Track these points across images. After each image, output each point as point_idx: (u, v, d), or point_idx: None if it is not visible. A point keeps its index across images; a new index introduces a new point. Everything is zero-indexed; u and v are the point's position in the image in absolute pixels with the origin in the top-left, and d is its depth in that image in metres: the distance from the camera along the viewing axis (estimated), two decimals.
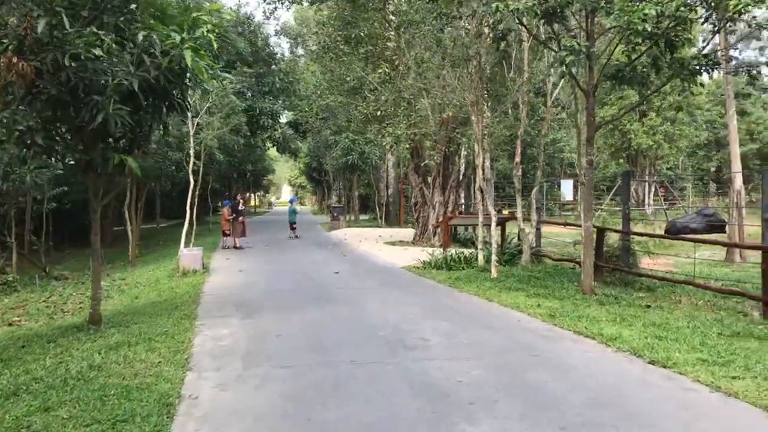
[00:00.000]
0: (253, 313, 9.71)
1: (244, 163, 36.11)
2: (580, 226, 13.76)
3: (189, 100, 9.38)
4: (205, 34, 7.84)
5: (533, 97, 40.94)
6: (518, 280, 11.76)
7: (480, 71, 12.67)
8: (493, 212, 12.38)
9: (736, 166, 15.46)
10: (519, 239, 14.52)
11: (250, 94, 30.87)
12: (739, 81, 48.81)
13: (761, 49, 43.23)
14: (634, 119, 29.79)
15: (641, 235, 11.89)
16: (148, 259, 22.22)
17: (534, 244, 14.62)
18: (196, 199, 18.63)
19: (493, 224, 12.34)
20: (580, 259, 13.00)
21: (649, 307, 9.52)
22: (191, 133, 17.72)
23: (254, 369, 6.46)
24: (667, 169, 35.74)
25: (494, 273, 11.96)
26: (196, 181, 18.10)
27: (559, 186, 42.90)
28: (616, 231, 11.91)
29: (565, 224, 14.09)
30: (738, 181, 15.22)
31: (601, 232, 11.64)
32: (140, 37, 7.52)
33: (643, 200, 31.56)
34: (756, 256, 12.97)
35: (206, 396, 5.60)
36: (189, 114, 14.85)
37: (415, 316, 8.98)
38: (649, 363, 6.41)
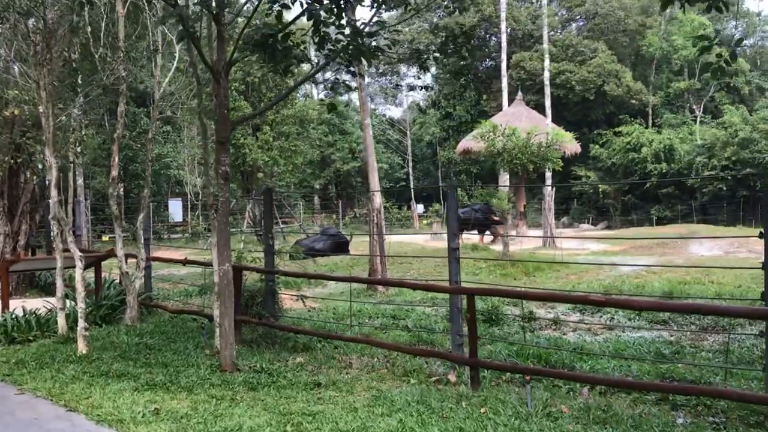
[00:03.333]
0: None
1: None
2: (202, 264, 10.31)
3: None
4: None
5: (133, 107, 36.22)
6: (122, 354, 7.73)
7: (48, 46, 8.30)
8: (76, 251, 8.08)
9: (375, 183, 13.79)
10: (121, 283, 10.42)
11: None
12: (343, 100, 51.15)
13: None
14: (248, 133, 27.50)
15: (289, 275, 8.94)
16: None
17: (143, 290, 10.66)
18: None
19: (78, 269, 8.06)
20: (208, 311, 9.54)
21: (319, 386, 6.53)
22: None
23: None
24: (281, 186, 34.61)
25: (81, 347, 7.71)
26: None
27: (167, 206, 38.80)
28: (259, 270, 8.74)
29: (186, 262, 10.43)
30: (378, 200, 13.53)
31: (238, 271, 8.33)
32: None
33: (260, 220, 29.62)
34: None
35: None
36: None
37: None
38: None
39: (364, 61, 7.32)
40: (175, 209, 38.70)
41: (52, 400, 6.20)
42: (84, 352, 7.63)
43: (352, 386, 6.52)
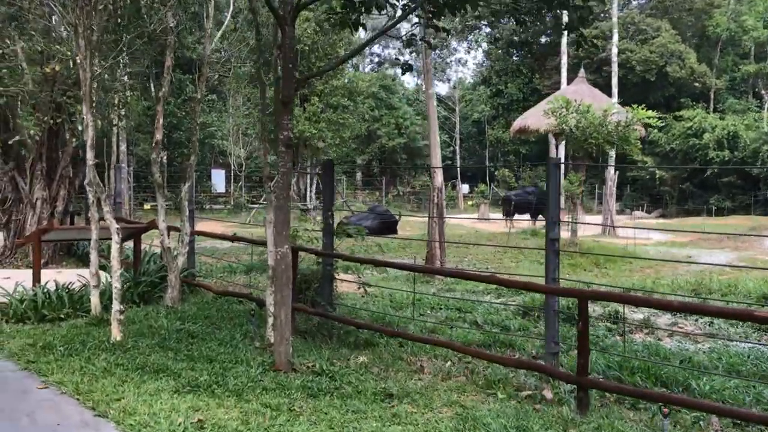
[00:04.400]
0: None
1: None
2: (253, 242, 9.32)
3: None
4: None
5: (179, 74, 35.57)
6: (160, 343, 6.77)
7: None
8: (112, 222, 7.12)
9: (437, 159, 12.61)
10: (162, 258, 9.51)
11: None
12: (386, 75, 49.83)
13: None
14: (295, 104, 26.46)
15: (351, 260, 7.85)
16: None
17: (185, 266, 9.74)
18: None
19: (115, 243, 7.11)
20: (257, 294, 8.56)
21: (390, 396, 5.48)
22: None
23: None
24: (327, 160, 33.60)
25: (116, 333, 6.78)
26: None
27: (210, 176, 38.21)
28: (318, 253, 7.68)
29: (234, 238, 9.42)
30: (439, 178, 12.36)
31: (294, 253, 7.27)
32: None
33: (305, 194, 28.73)
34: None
35: None
36: None
37: None
38: None
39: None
40: (218, 180, 38.08)
41: (79, 399, 5.26)
42: (118, 338, 6.70)
43: (430, 399, 5.45)
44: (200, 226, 16.80)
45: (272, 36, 6.60)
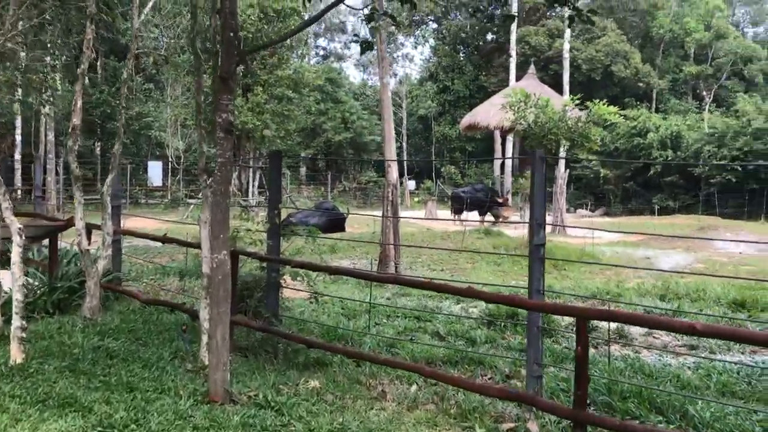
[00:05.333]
0: None
1: None
2: (186, 244, 8.23)
3: None
4: None
5: (114, 61, 33.61)
6: (72, 365, 5.63)
7: None
8: (12, 220, 5.93)
9: (391, 152, 11.71)
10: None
11: None
12: (332, 68, 48.75)
13: None
14: (237, 94, 25.16)
15: (302, 266, 6.79)
16: None
17: (110, 268, 8.57)
18: None
19: (17, 246, 5.92)
20: (192, 304, 7.50)
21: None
22: None
23: None
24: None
25: (15, 354, 5.63)
26: None
27: (146, 169, 36.44)
28: (262, 258, 6.66)
29: (165, 240, 8.26)
30: (394, 173, 11.46)
31: (234, 258, 6.24)
32: None
33: (247, 189, 27.38)
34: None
35: None
36: None
37: None
38: None
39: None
40: (155, 173, 36.30)
41: None
42: (19, 361, 5.56)
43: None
44: (134, 223, 15.54)
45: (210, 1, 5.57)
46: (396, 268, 11.29)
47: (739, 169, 33.44)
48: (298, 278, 6.65)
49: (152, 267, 12.06)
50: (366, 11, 6.12)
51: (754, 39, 45.41)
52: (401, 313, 8.84)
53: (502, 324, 8.17)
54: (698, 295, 10.56)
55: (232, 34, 4.79)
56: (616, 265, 12.20)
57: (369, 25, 6.25)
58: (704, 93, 43.15)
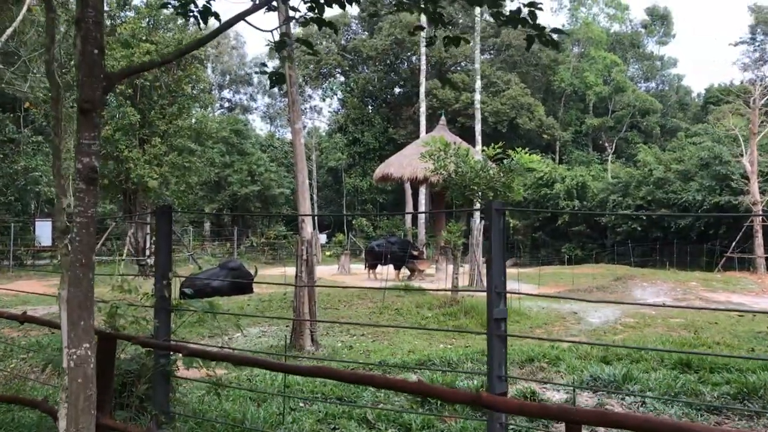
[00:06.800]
0: None
1: None
2: (48, 324, 6.66)
3: None
4: None
5: None
6: None
7: None
8: None
9: (306, 206, 10.54)
10: None
11: None
12: (238, 119, 47.45)
13: None
14: (133, 144, 23.42)
15: (200, 355, 5.42)
16: None
17: None
18: None
19: None
20: (55, 399, 5.92)
21: None
22: None
23: None
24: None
25: None
26: None
27: (34, 228, 33.67)
28: (147, 345, 5.26)
29: (24, 319, 6.62)
30: (309, 228, 10.28)
31: (110, 343, 4.84)
32: None
33: (144, 248, 25.34)
34: None
35: None
36: None
37: None
38: None
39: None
40: (44, 232, 33.50)
41: None
42: None
43: None
44: (19, 286, 13.53)
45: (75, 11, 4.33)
46: (312, 336, 10.00)
47: (644, 218, 34.27)
48: (195, 365, 5.31)
49: (24, 342, 10.21)
50: (276, 35, 5.06)
51: (648, 92, 47.75)
52: (321, 392, 7.56)
53: (438, 403, 7.04)
54: (640, 355, 9.82)
55: (96, 51, 3.58)
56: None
57: (279, 54, 5.18)
58: (606, 144, 44.64)
